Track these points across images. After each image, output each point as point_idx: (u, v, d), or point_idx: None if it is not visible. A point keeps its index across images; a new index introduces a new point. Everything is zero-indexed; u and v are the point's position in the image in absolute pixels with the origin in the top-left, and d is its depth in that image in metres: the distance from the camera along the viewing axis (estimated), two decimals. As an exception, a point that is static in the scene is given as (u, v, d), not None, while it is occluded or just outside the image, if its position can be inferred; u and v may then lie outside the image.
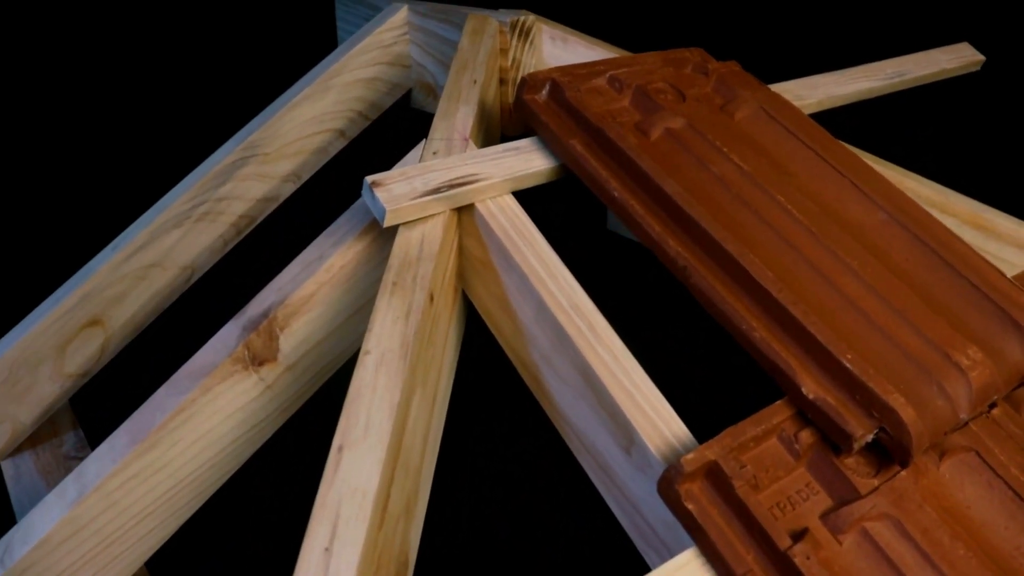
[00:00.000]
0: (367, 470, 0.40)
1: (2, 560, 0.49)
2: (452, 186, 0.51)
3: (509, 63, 0.68)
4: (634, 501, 0.47)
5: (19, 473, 0.68)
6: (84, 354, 0.69)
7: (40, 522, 0.49)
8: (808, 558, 0.38)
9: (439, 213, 0.52)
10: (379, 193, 0.50)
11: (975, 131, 1.04)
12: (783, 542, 0.39)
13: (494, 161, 0.54)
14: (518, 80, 0.70)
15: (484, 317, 0.56)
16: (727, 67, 0.63)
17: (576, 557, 0.80)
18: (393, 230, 0.53)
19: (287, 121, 0.73)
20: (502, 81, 0.70)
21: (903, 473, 0.43)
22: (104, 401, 0.71)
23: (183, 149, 0.78)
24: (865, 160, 0.59)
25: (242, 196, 0.73)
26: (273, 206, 0.75)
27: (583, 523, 0.81)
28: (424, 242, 0.50)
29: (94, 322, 0.68)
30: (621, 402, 0.46)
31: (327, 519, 0.39)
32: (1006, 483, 0.43)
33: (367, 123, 0.79)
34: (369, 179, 0.50)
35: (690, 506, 0.40)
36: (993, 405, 0.46)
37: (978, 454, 0.44)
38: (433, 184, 0.51)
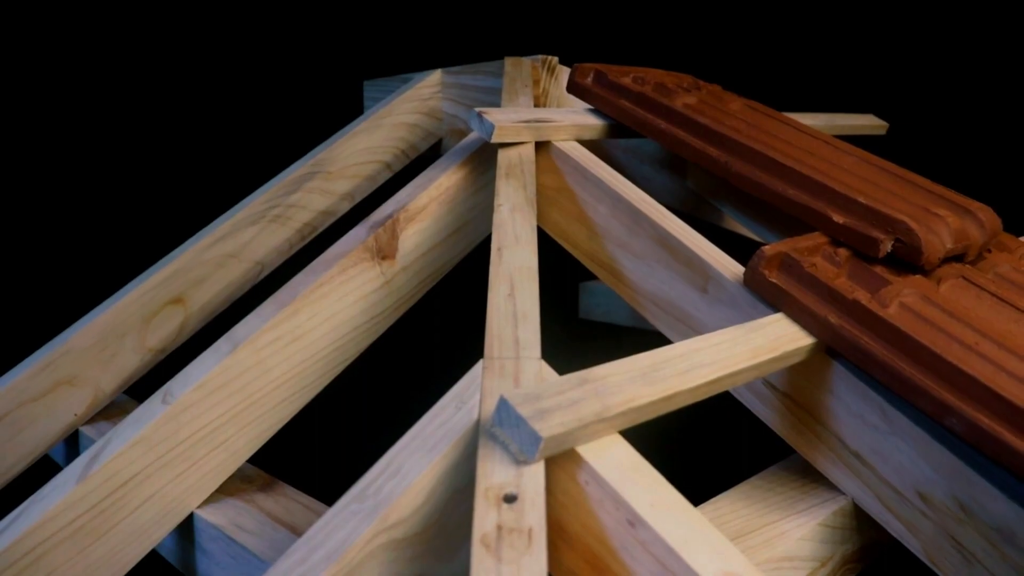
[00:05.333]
0: (526, 258, 0.50)
1: (164, 400, 0.53)
2: (536, 121, 0.66)
3: (540, 92, 0.86)
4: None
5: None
6: (166, 329, 0.75)
7: (196, 371, 0.55)
8: (871, 302, 0.50)
9: (527, 142, 0.65)
10: (487, 116, 0.63)
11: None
12: (850, 295, 0.50)
13: (561, 115, 0.69)
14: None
15: (559, 239, 0.67)
16: (713, 86, 0.83)
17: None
18: (487, 163, 0.66)
19: (347, 147, 0.86)
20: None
21: (918, 276, 0.56)
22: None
23: (260, 169, 0.89)
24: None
25: (307, 206, 0.84)
26: (331, 220, 0.86)
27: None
28: (522, 156, 0.63)
29: (177, 300, 0.75)
30: (697, 249, 0.58)
31: (503, 282, 0.48)
32: (991, 293, 0.57)
33: (408, 161, 0.93)
34: (477, 109, 0.64)
35: (774, 279, 0.52)
36: (960, 258, 0.61)
37: (964, 278, 0.58)
38: (524, 117, 0.65)
